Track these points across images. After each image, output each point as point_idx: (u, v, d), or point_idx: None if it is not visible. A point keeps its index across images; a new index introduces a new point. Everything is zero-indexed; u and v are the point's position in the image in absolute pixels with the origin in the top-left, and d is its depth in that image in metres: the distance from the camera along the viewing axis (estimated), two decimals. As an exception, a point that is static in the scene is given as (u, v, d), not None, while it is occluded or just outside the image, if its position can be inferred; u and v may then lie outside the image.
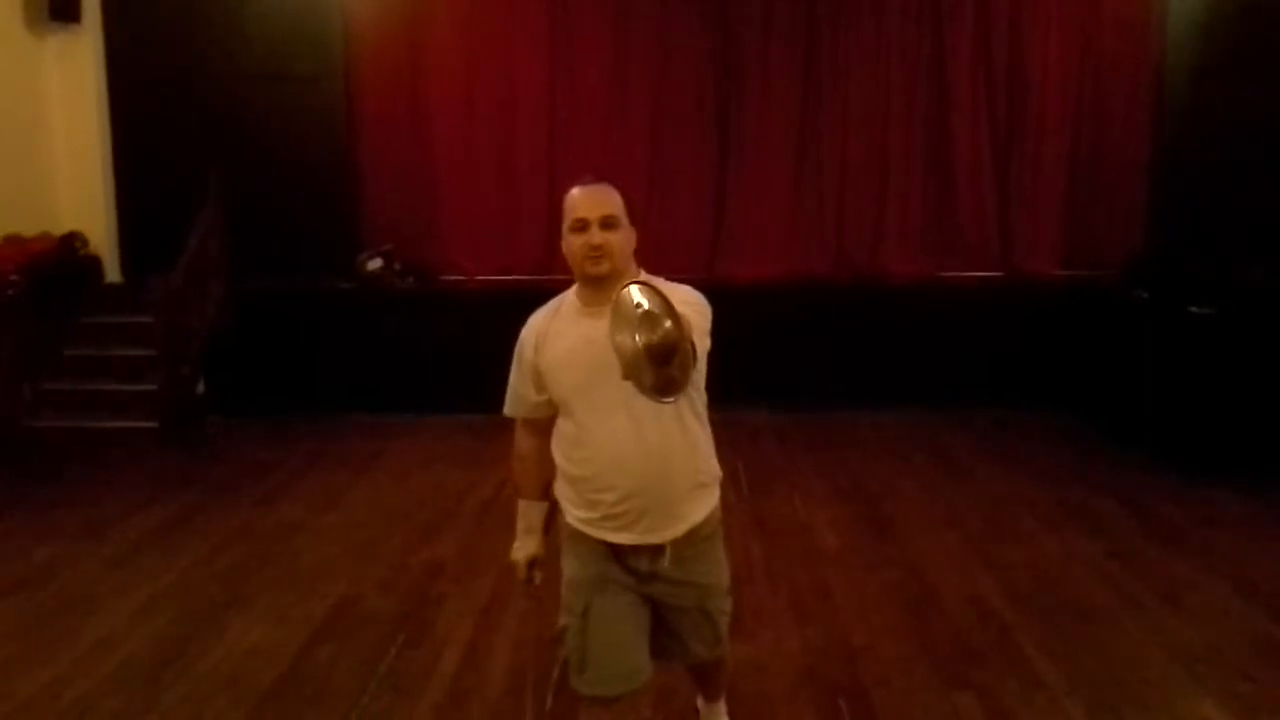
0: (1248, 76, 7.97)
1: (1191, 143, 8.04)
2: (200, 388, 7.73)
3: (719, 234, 8.47)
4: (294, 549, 5.19)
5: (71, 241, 7.92)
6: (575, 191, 2.58)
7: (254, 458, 6.84)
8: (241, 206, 7.88)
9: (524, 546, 2.82)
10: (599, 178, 2.62)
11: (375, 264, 8.03)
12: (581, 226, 2.51)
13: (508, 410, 2.77)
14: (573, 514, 2.69)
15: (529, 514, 2.82)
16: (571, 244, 2.54)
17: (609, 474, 2.56)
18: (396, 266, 8.03)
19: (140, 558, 5.10)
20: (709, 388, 2.67)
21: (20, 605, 4.55)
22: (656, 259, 9.18)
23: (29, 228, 7.57)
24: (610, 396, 2.48)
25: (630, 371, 2.10)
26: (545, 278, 7.78)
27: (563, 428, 2.67)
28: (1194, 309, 6.33)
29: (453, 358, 7.67)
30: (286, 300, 7.94)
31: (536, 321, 2.67)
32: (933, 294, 8.13)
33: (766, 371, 7.91)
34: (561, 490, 2.72)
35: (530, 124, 8.38)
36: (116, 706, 3.64)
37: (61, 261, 7.73)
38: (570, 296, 2.64)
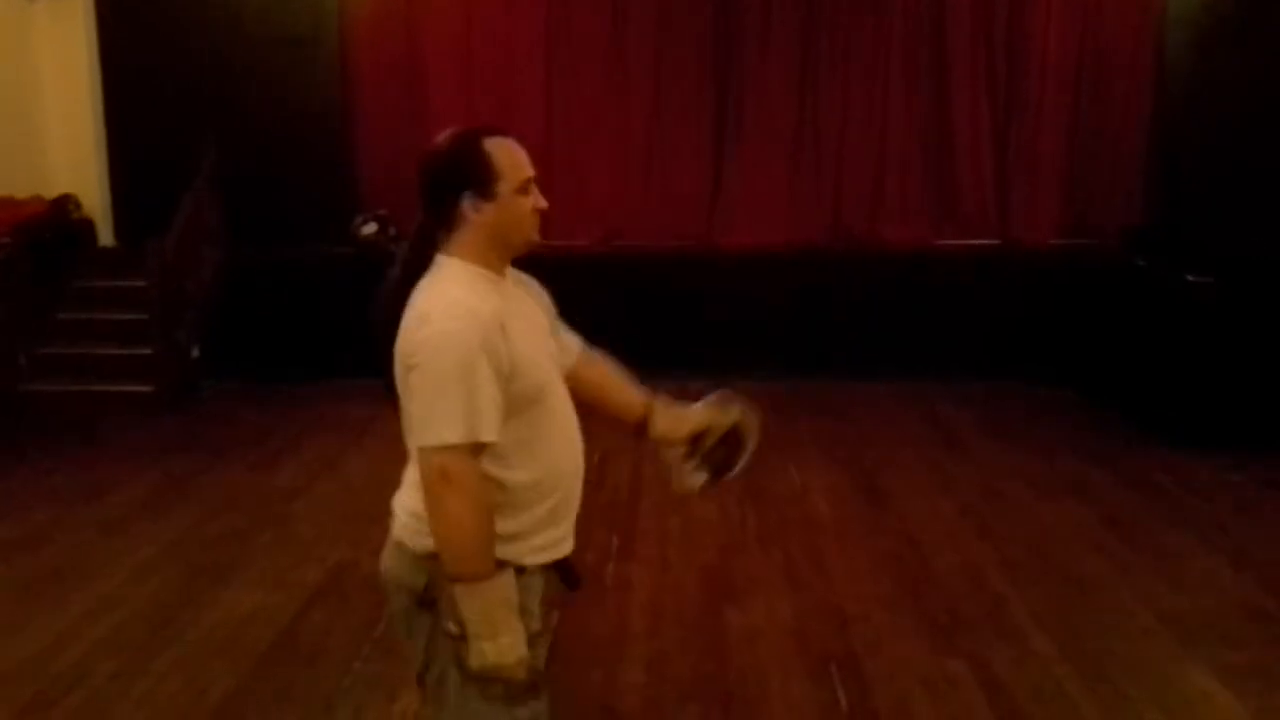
0: (1248, 45, 7.91)
1: (1191, 111, 7.98)
2: (195, 352, 7.71)
3: (716, 202, 8.43)
4: (290, 514, 5.19)
5: (64, 204, 7.87)
6: (510, 144, 2.07)
7: (249, 423, 6.83)
8: (236, 170, 7.82)
9: (518, 636, 1.96)
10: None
11: (370, 229, 7.98)
12: (527, 187, 2.07)
13: (479, 434, 1.90)
14: (531, 544, 2.06)
15: (507, 586, 1.96)
16: (519, 207, 2.05)
17: (569, 473, 2.14)
18: (392, 231, 7.98)
19: (136, 522, 5.10)
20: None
21: (16, 569, 4.56)
22: (655, 227, 9.09)
23: (21, 190, 7.52)
24: (558, 380, 2.17)
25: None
26: (538, 242, 7.68)
27: (513, 434, 2.00)
28: (1192, 278, 6.31)
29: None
30: (281, 265, 7.90)
31: (484, 303, 1.96)
32: (930, 263, 8.10)
33: (762, 340, 7.92)
34: (508, 526, 2.02)
35: (527, 88, 8.32)
36: (112, 669, 3.65)
37: (54, 224, 7.68)
38: (473, 269, 2.04)
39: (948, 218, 8.40)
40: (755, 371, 7.75)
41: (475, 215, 2.03)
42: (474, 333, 1.91)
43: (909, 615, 4.05)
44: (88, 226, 8.09)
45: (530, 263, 2.21)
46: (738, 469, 2.42)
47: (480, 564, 1.92)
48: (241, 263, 7.88)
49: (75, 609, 4.13)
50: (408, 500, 2.07)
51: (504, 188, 2.03)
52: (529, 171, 2.07)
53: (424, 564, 2.01)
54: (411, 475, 2.06)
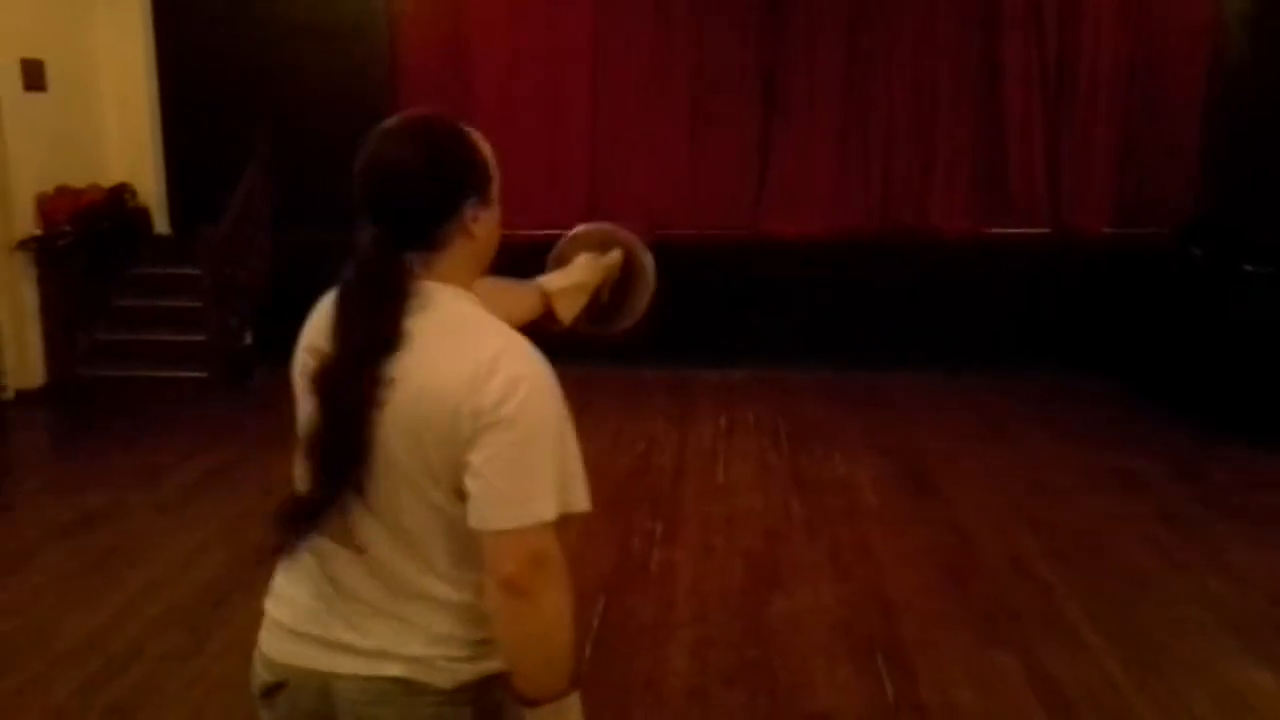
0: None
1: (1248, 96, 7.81)
2: (248, 338, 7.83)
3: (763, 189, 8.39)
4: (339, 498, 5.25)
5: (121, 193, 8.01)
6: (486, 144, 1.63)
7: (300, 408, 6.92)
8: (287, 158, 7.91)
9: None
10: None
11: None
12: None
13: (579, 502, 1.50)
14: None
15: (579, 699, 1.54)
16: (498, 221, 1.63)
17: None
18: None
19: (190, 505, 5.20)
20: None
21: (74, 549, 4.66)
22: (701, 216, 9.06)
23: (79, 179, 7.66)
24: None
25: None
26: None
27: None
28: (1249, 267, 6.20)
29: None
30: (332, 252, 7.95)
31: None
32: (980, 251, 8.01)
33: (809, 328, 7.88)
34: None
35: (574, 75, 8.33)
36: (164, 649, 3.73)
37: (111, 213, 7.82)
38: (478, 300, 1.61)
39: (998, 205, 8.28)
40: (802, 360, 7.75)
41: (475, 228, 1.56)
42: (555, 379, 1.52)
43: (956, 605, 4.02)
44: (143, 215, 8.22)
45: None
46: (644, 299, 2.30)
47: (572, 671, 1.50)
48: (292, 250, 7.98)
49: (131, 589, 4.22)
50: (428, 625, 1.53)
51: (496, 191, 1.61)
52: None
53: (461, 698, 1.53)
54: (419, 589, 1.53)
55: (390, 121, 1.57)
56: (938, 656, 3.62)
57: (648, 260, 2.32)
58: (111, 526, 4.91)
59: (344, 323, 1.52)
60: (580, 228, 2.30)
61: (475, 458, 1.44)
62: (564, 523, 1.47)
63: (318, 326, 1.61)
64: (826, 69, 8.21)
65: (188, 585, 4.25)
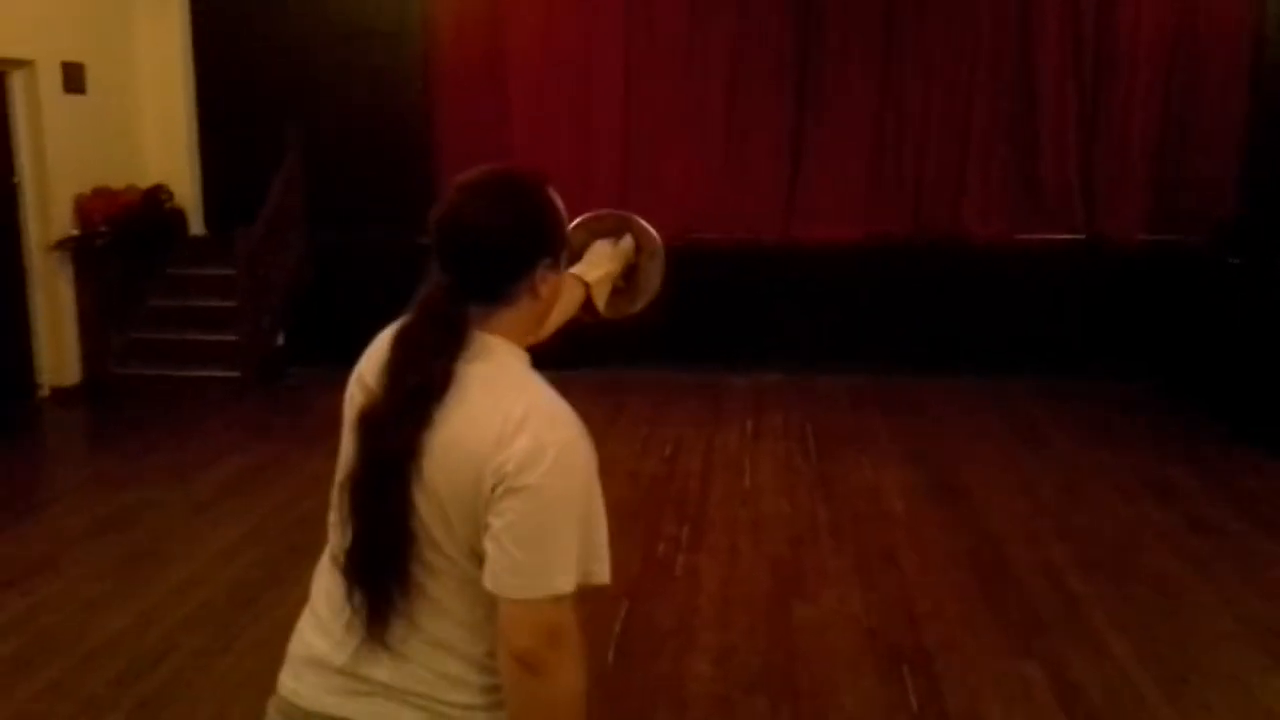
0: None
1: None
2: (280, 339, 7.91)
3: (795, 193, 8.36)
4: (368, 499, 5.29)
5: (157, 194, 8.11)
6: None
7: (332, 408, 6.90)
8: (321, 160, 7.99)
9: None
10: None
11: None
12: None
13: (599, 575, 1.47)
14: None
15: None
16: (561, 282, 1.65)
17: None
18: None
19: (222, 503, 5.26)
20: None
21: (108, 546, 4.72)
22: (733, 220, 9.01)
23: (117, 180, 7.77)
24: None
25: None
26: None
27: None
28: (1287, 276, 6.12)
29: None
30: (363, 253, 8.05)
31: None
32: (1013, 257, 7.95)
33: (840, 332, 7.86)
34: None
35: (606, 79, 8.34)
36: (196, 645, 3.77)
37: (147, 214, 7.93)
38: (526, 357, 1.61)
39: (1032, 211, 8.20)
40: (831, 365, 7.73)
41: (543, 289, 1.55)
42: (590, 446, 1.49)
43: (983, 614, 4.00)
44: (179, 216, 8.32)
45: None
46: (658, 278, 2.39)
47: None
48: (325, 251, 8.05)
49: (163, 586, 4.27)
50: (443, 669, 1.50)
51: (562, 257, 1.60)
52: None
53: None
54: (431, 634, 1.50)
55: (474, 174, 1.57)
56: (963, 666, 3.60)
57: (656, 239, 2.37)
58: (144, 525, 4.98)
59: (399, 364, 1.49)
60: (584, 215, 2.34)
61: (495, 522, 1.40)
62: (578, 592, 1.43)
63: (372, 360, 1.59)
64: (859, 73, 8.17)
65: (219, 584, 4.30)
